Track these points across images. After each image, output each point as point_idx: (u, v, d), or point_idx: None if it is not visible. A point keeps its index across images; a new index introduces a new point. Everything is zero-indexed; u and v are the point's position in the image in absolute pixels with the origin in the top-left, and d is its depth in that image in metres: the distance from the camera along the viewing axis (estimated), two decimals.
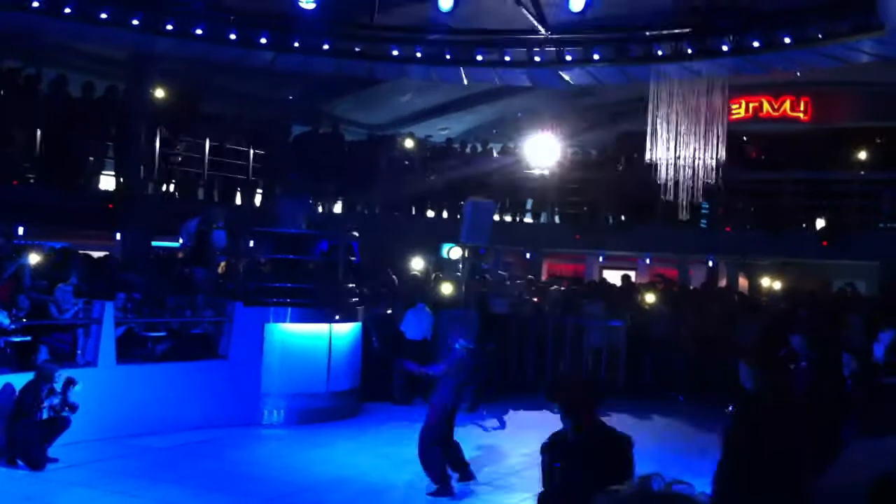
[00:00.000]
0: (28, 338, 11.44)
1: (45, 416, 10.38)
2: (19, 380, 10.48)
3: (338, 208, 22.31)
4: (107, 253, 17.04)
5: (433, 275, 18.69)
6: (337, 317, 13.91)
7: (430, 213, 22.60)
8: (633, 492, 1.67)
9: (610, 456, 4.97)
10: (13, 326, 11.26)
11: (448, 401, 9.69)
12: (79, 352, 11.73)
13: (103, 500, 9.10)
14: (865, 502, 1.90)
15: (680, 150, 21.76)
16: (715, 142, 20.53)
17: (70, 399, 10.42)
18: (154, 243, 18.70)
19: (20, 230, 17.10)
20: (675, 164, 21.10)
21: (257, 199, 20.76)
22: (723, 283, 23.77)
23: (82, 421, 10.59)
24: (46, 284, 12.43)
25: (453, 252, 17.71)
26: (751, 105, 25.16)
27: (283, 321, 13.53)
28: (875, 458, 6.68)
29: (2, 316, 11.09)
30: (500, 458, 11.74)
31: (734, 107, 25.14)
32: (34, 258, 13.24)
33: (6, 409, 10.40)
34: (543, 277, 23.69)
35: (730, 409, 5.43)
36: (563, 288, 19.80)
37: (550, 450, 5.21)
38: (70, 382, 10.44)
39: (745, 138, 25.01)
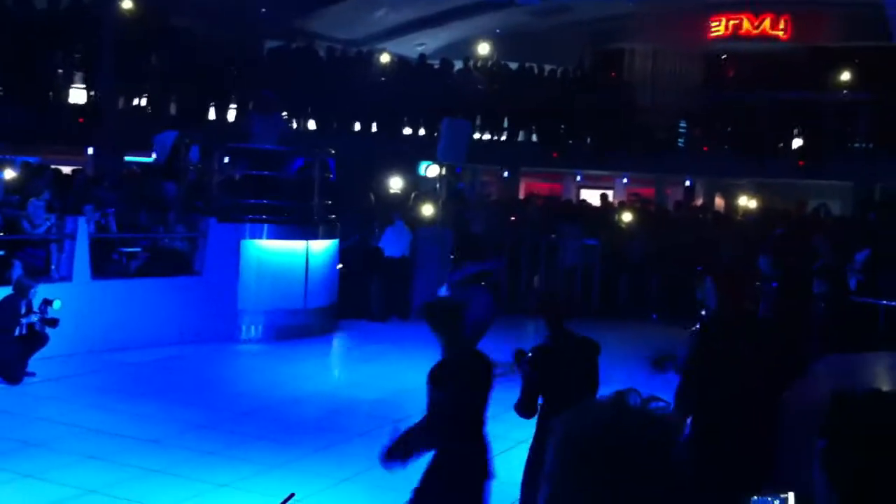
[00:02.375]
0: (1, 253, 11.31)
1: (23, 332, 10.32)
2: None
3: (312, 125, 22.04)
4: (78, 168, 16.80)
5: (411, 193, 18.60)
6: (313, 234, 13.84)
7: (407, 131, 22.38)
8: (607, 406, 1.63)
9: (581, 361, 5.47)
10: None
11: None
12: (53, 267, 11.63)
13: (80, 413, 9.10)
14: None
15: (657, 69, 21.64)
16: (694, 61, 20.44)
17: (49, 315, 10.36)
18: (127, 158, 18.43)
19: None
20: (653, 83, 21.02)
21: (231, 115, 20.44)
22: (699, 203, 23.85)
23: (58, 336, 10.53)
24: (18, 199, 12.26)
25: (430, 170, 17.61)
26: (731, 23, 24.96)
27: (259, 238, 13.45)
28: (840, 374, 6.76)
29: None
30: None
31: (714, 24, 24.97)
32: (7, 173, 13.05)
33: None
34: (521, 196, 23.66)
35: (694, 327, 5.43)
36: (538, 206, 19.78)
37: (530, 362, 5.38)
38: (47, 302, 10.36)
39: (723, 57, 24.87)
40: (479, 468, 4.92)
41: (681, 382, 5.29)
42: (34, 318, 10.33)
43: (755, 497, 4.85)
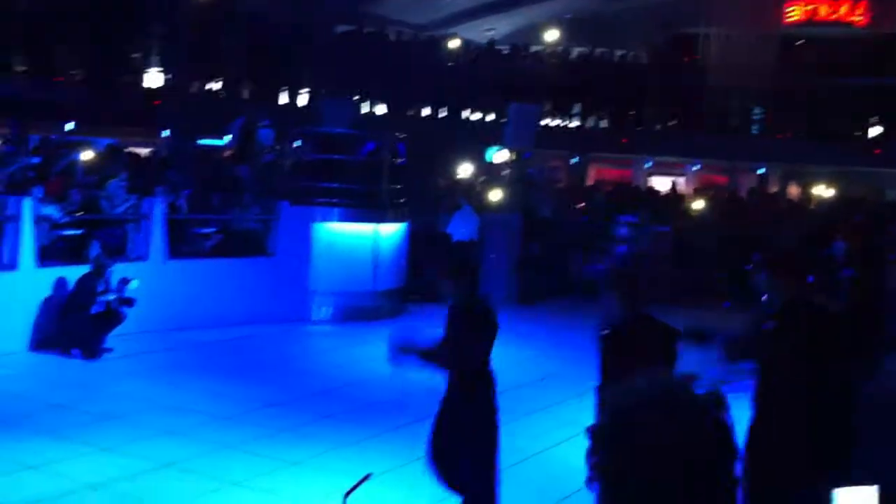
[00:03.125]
0: (80, 231, 11.60)
1: (101, 309, 10.58)
2: (72, 273, 10.66)
3: (382, 110, 22.14)
4: (152, 150, 17.12)
5: (479, 178, 18.59)
6: (382, 217, 13.92)
7: (475, 116, 22.35)
8: (651, 380, 1.67)
9: (658, 346, 5.26)
10: (65, 220, 11.42)
11: None
12: (130, 246, 11.88)
13: (156, 389, 9.31)
14: None
15: (732, 53, 21.27)
16: (769, 46, 20.02)
17: (125, 295, 10.61)
18: (200, 141, 18.73)
19: (69, 126, 17.24)
20: (728, 68, 20.66)
21: (302, 100, 20.64)
22: (773, 191, 23.44)
23: (134, 313, 10.80)
24: (96, 180, 12.55)
25: (499, 155, 17.56)
26: (807, 8, 24.40)
27: (330, 220, 13.58)
28: None
29: (53, 209, 11.24)
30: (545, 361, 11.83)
31: (790, 10, 24.44)
32: (86, 154, 13.35)
33: (59, 300, 10.62)
34: (589, 182, 23.50)
35: (765, 313, 5.30)
36: (606, 192, 19.64)
37: (605, 342, 5.29)
38: (124, 282, 10.60)
39: (799, 42, 24.34)
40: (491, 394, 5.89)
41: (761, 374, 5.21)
42: (111, 297, 10.58)
43: (839, 489, 4.77)
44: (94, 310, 10.56)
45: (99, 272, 10.55)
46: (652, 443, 1.57)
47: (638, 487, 1.58)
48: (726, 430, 1.62)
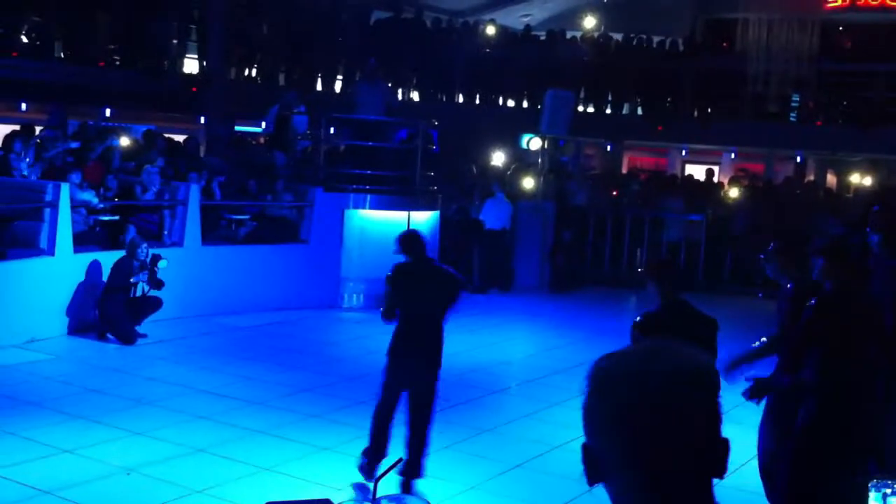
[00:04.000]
0: (116, 217, 11.76)
1: (137, 293, 10.73)
2: (108, 258, 10.80)
3: (416, 96, 22.14)
4: (188, 136, 17.28)
5: (513, 165, 18.56)
6: (415, 205, 13.95)
7: (510, 103, 22.28)
8: (638, 345, 1.67)
9: (692, 334, 5.09)
10: (102, 206, 11.58)
11: None
12: (165, 232, 12.03)
13: (189, 374, 9.44)
14: None
15: (771, 39, 20.98)
16: (809, 31, 19.75)
17: (158, 276, 10.75)
18: (237, 128, 18.87)
19: (107, 112, 17.43)
20: (766, 54, 20.39)
21: (337, 85, 20.69)
22: (810, 179, 23.16)
23: (169, 298, 10.95)
24: (134, 166, 12.71)
25: (533, 143, 17.50)
26: None
27: (363, 207, 13.64)
28: None
29: (91, 195, 11.40)
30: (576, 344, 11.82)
31: None
32: (123, 141, 13.51)
33: (95, 286, 10.78)
34: (624, 170, 23.37)
35: (811, 302, 5.29)
36: (641, 180, 19.53)
37: (640, 327, 5.26)
38: (157, 259, 10.74)
39: (840, 28, 23.96)
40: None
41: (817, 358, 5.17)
42: (144, 277, 10.67)
43: (875, 480, 4.76)
44: (132, 293, 10.72)
45: (132, 253, 10.68)
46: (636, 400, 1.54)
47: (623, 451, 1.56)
48: (715, 392, 1.59)
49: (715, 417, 1.57)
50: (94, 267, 10.84)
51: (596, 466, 1.58)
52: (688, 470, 1.55)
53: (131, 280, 10.64)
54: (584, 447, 1.60)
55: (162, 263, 10.76)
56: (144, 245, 10.74)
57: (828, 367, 5.07)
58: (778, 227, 16.53)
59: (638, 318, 5.34)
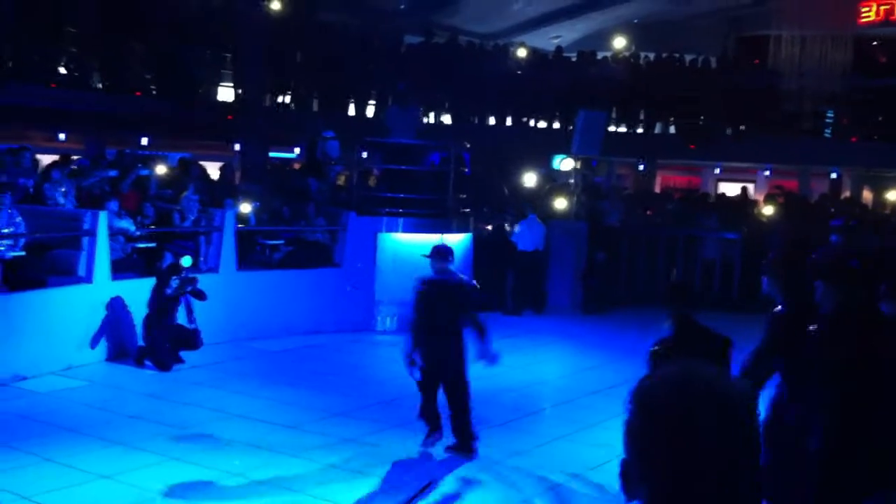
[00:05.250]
0: (153, 244, 11.91)
1: (180, 311, 10.78)
2: (146, 284, 10.93)
3: (448, 119, 22.27)
4: (224, 164, 17.50)
5: (545, 186, 18.58)
6: (448, 227, 13.99)
7: (542, 124, 22.34)
8: (677, 369, 1.72)
9: (707, 356, 5.05)
10: (139, 233, 11.75)
11: None
12: (201, 259, 12.16)
13: (224, 399, 9.52)
14: None
15: (804, 55, 20.86)
16: (843, 47, 19.60)
17: (187, 275, 10.80)
18: (271, 154, 19.07)
19: (143, 141, 17.70)
20: (799, 70, 20.26)
21: (370, 110, 20.86)
22: (845, 195, 22.93)
23: (204, 323, 11.01)
24: (171, 193, 12.89)
25: (565, 164, 17.52)
26: (882, 8, 23.82)
27: (395, 231, 13.72)
28: None
29: (128, 223, 11.58)
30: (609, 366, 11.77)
31: (864, 10, 23.90)
32: (160, 168, 13.70)
33: (134, 311, 10.90)
34: (657, 190, 23.29)
35: (813, 327, 5.16)
36: (675, 199, 19.45)
37: (656, 355, 5.26)
38: (191, 280, 10.81)
39: (875, 43, 23.79)
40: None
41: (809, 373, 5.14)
42: (176, 281, 10.73)
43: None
44: (174, 313, 10.77)
45: (161, 276, 10.79)
46: (679, 425, 1.61)
47: (663, 469, 1.62)
48: (755, 418, 1.66)
49: (748, 441, 1.63)
50: (133, 294, 10.96)
51: (635, 482, 1.65)
52: (722, 492, 1.60)
53: (168, 292, 10.67)
54: (623, 463, 1.67)
55: (185, 261, 10.81)
56: (168, 256, 10.93)
57: (837, 399, 5.00)
58: (811, 245, 16.38)
59: (653, 346, 5.35)
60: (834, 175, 23.18)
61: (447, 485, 7.22)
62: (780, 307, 5.65)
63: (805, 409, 5.19)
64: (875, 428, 5.04)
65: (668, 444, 1.61)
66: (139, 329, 10.83)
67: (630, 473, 1.66)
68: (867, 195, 23.36)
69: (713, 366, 1.70)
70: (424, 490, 4.63)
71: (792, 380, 5.46)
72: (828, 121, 21.19)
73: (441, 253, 8.19)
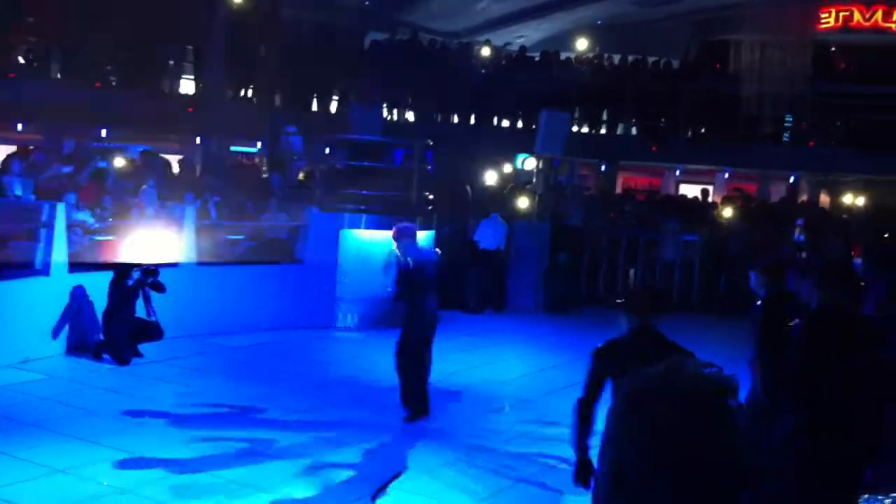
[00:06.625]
0: (112, 237, 11.76)
1: (139, 303, 10.66)
2: (104, 278, 10.78)
3: (411, 117, 22.23)
4: (182, 157, 17.33)
5: (507, 185, 18.62)
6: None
7: (505, 124, 22.39)
8: (662, 365, 1.73)
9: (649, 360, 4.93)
10: (98, 225, 11.60)
11: None
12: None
13: (183, 395, 9.42)
14: None
15: (765, 60, 21.10)
16: (802, 52, 19.85)
17: (157, 279, 10.68)
18: (232, 148, 18.93)
19: (103, 132, 17.49)
20: (760, 75, 20.50)
21: (333, 106, 20.78)
22: (803, 199, 23.25)
23: (163, 318, 10.89)
24: (132, 186, 12.74)
25: (528, 163, 17.59)
26: (841, 14, 24.19)
27: (358, 227, 13.67)
28: None
29: (86, 215, 11.43)
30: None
31: (823, 16, 24.26)
32: (119, 161, 13.54)
33: (91, 305, 10.77)
34: (618, 190, 23.44)
35: (795, 322, 5.33)
36: (637, 200, 19.59)
37: (602, 356, 5.06)
38: (152, 271, 10.69)
39: (833, 49, 24.14)
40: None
41: (788, 375, 5.23)
42: (137, 275, 10.60)
43: (865, 496, 4.77)
44: (133, 306, 10.64)
45: (127, 270, 10.67)
46: (663, 426, 1.63)
47: (641, 469, 1.63)
48: (733, 415, 1.67)
49: (730, 432, 1.65)
50: (90, 287, 10.83)
51: (624, 479, 1.66)
52: (712, 486, 1.63)
53: (130, 283, 10.55)
54: (610, 462, 1.68)
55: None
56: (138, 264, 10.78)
57: (817, 387, 5.09)
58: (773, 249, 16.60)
59: (597, 347, 5.09)
60: (792, 179, 23.49)
61: (411, 480, 7.22)
62: (760, 301, 6.44)
63: (781, 404, 5.29)
64: (848, 426, 5.14)
65: (663, 444, 1.63)
66: (98, 322, 10.70)
67: (619, 472, 1.67)
68: (824, 199, 23.70)
69: (699, 362, 1.70)
70: (392, 480, 4.61)
71: (773, 375, 5.61)
72: (787, 125, 21.47)
73: (408, 232, 9.00)
